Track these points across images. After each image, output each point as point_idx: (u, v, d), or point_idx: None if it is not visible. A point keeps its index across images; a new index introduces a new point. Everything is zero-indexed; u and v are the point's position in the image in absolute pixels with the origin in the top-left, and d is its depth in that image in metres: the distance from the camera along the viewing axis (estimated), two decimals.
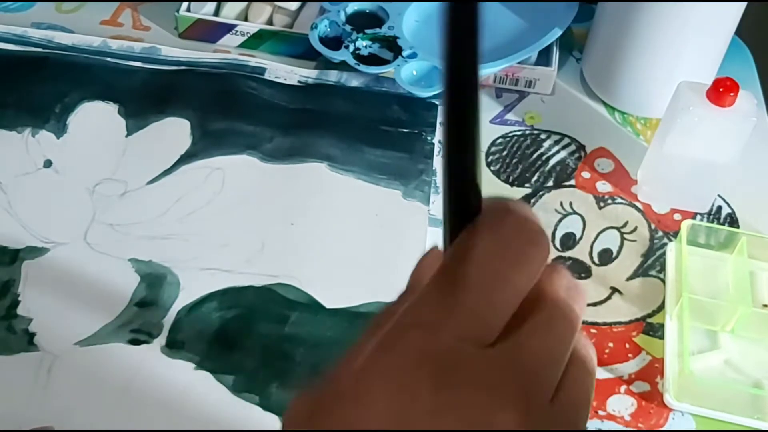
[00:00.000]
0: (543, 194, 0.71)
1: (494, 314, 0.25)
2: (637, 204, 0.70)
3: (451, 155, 0.26)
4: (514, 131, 0.75)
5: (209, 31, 0.80)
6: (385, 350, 0.25)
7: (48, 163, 0.69)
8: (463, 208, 0.27)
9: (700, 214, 0.70)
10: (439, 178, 0.69)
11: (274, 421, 0.56)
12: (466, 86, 0.25)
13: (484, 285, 0.25)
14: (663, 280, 0.65)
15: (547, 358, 0.25)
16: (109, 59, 0.78)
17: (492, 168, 0.72)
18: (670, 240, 0.68)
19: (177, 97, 0.74)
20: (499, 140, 0.74)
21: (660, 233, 0.68)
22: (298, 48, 0.79)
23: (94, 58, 0.78)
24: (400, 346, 0.25)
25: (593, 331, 0.62)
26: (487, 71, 0.76)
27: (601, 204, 0.70)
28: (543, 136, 0.75)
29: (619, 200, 0.70)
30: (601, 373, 0.60)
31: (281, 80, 0.77)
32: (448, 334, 0.24)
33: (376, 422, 0.24)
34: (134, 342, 0.59)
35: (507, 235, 0.26)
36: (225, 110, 0.74)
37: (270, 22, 0.81)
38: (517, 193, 0.70)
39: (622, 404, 0.59)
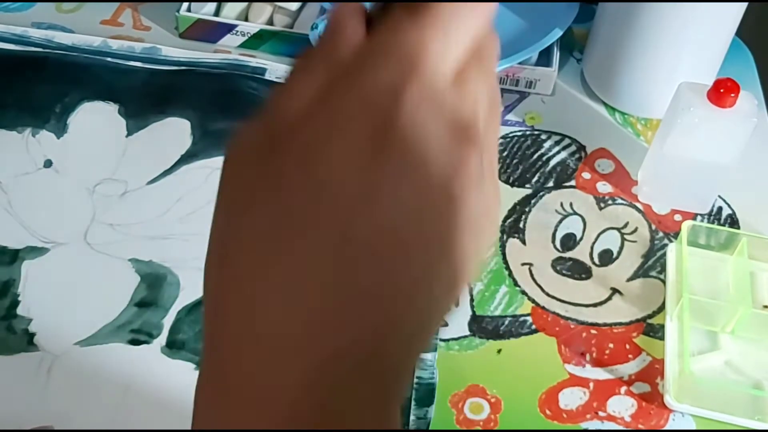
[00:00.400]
0: (543, 195, 0.71)
1: (451, 55, 0.26)
2: (638, 205, 0.70)
3: None
4: (515, 132, 0.75)
5: (210, 31, 0.80)
6: (352, 79, 0.25)
7: (48, 163, 0.69)
8: None
9: (701, 214, 0.70)
10: None
11: None
12: None
13: (444, 23, 0.26)
14: (663, 281, 0.65)
15: (481, 100, 0.27)
16: (109, 59, 0.78)
17: None
18: (671, 241, 0.68)
19: (177, 97, 0.75)
20: (500, 140, 0.74)
21: (660, 234, 0.68)
22: (298, 48, 0.79)
23: (94, 58, 0.78)
24: (369, 77, 0.25)
25: (593, 332, 0.62)
26: None
27: (602, 205, 0.70)
28: (543, 137, 0.75)
29: (620, 201, 0.70)
30: (601, 374, 0.60)
31: (282, 80, 0.77)
32: (416, 70, 0.25)
33: (347, 142, 0.25)
34: (134, 342, 0.59)
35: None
36: (225, 110, 0.74)
37: (270, 22, 0.81)
38: (518, 193, 0.70)
39: (622, 405, 0.59)
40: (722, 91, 0.63)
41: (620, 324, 0.63)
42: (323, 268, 0.24)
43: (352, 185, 0.24)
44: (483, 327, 0.62)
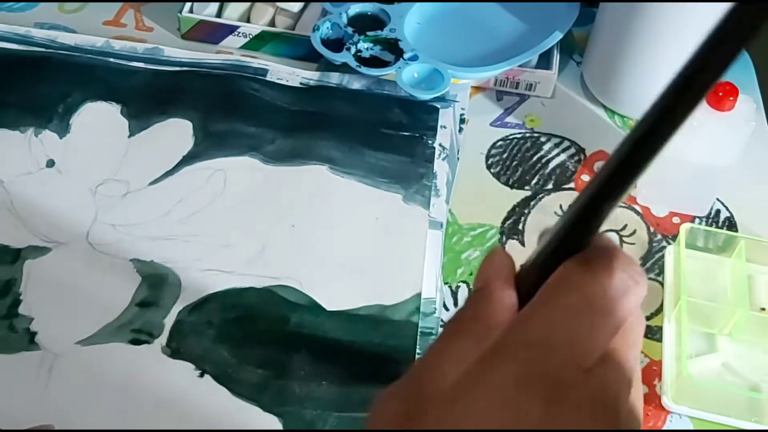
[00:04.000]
0: (543, 197, 0.71)
1: (596, 344, 0.27)
2: (636, 207, 0.71)
3: (607, 192, 0.28)
4: (515, 134, 0.75)
5: (212, 32, 0.81)
6: (494, 362, 0.27)
7: (51, 163, 0.70)
8: (580, 236, 0.29)
9: (699, 217, 0.70)
10: (442, 180, 0.69)
11: (274, 422, 0.56)
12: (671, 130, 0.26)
13: (591, 316, 0.27)
14: (661, 283, 0.65)
15: (625, 379, 0.28)
16: (112, 60, 0.78)
17: (492, 170, 0.72)
18: (669, 243, 0.68)
19: (179, 98, 0.75)
20: (500, 143, 0.75)
21: (659, 236, 0.69)
22: (300, 50, 0.79)
23: (97, 58, 0.78)
24: (510, 361, 0.26)
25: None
26: (487, 74, 0.76)
27: None
28: (543, 139, 0.75)
29: None
30: None
31: (283, 82, 0.77)
32: (556, 357, 0.26)
33: (482, 427, 0.26)
34: (135, 342, 0.59)
35: (616, 272, 0.28)
36: (227, 111, 0.74)
37: (272, 23, 0.82)
38: (517, 195, 0.71)
39: None
40: (721, 95, 0.63)
41: None
42: None
43: None
44: None
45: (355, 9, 0.78)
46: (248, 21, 0.82)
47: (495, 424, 0.26)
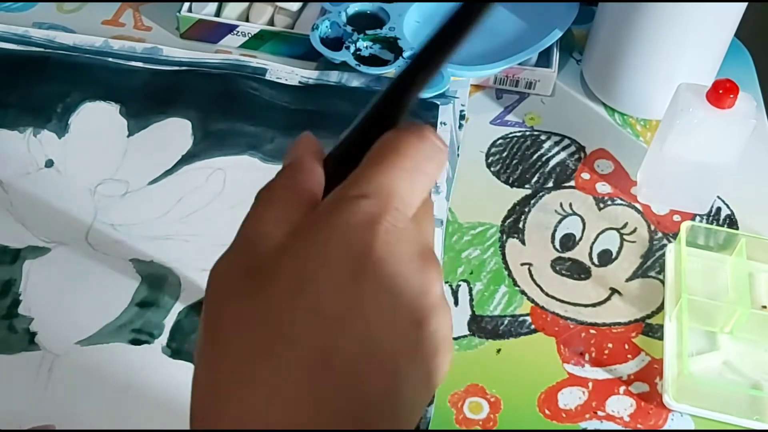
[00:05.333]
0: (543, 195, 0.71)
1: (416, 199, 0.31)
2: (637, 205, 0.71)
3: (417, 67, 0.33)
4: (515, 132, 0.75)
5: (211, 32, 0.81)
6: (331, 210, 0.30)
7: (50, 163, 0.70)
8: (392, 114, 0.33)
9: (700, 215, 0.70)
10: (442, 177, 0.69)
11: None
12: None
13: (411, 172, 0.31)
14: (662, 281, 0.65)
15: (432, 239, 0.33)
16: (110, 59, 0.78)
17: (492, 169, 0.72)
18: (670, 241, 0.68)
19: (178, 98, 0.75)
20: (500, 141, 0.74)
21: (659, 234, 0.69)
22: (299, 49, 0.79)
23: (95, 58, 0.78)
24: (344, 210, 0.29)
25: (593, 331, 0.62)
26: (487, 72, 0.76)
27: (601, 205, 0.70)
28: (543, 137, 0.75)
29: (619, 201, 0.71)
30: (600, 374, 0.60)
31: (282, 81, 0.77)
32: (388, 205, 0.30)
33: (331, 265, 0.28)
34: (135, 342, 0.59)
35: (429, 140, 0.32)
36: (226, 111, 0.74)
37: (271, 22, 0.82)
38: (517, 194, 0.71)
39: (621, 405, 0.59)
40: (721, 92, 0.63)
41: (619, 324, 0.63)
42: (304, 376, 0.28)
43: (336, 307, 0.28)
44: (482, 327, 0.62)
45: (354, 8, 0.78)
46: (247, 20, 0.82)
47: (340, 257, 0.29)
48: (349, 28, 0.77)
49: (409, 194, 0.31)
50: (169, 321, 0.60)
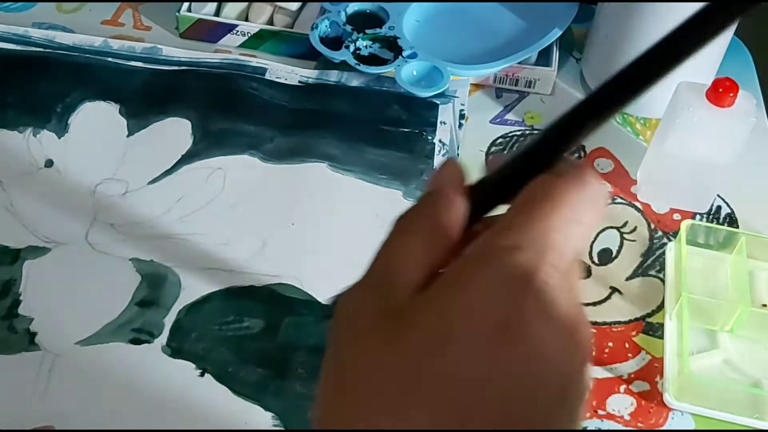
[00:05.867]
0: None
1: (571, 250, 0.29)
2: (637, 204, 0.70)
3: (583, 116, 0.30)
4: (514, 131, 0.75)
5: (210, 31, 0.81)
6: (480, 262, 0.28)
7: (49, 163, 0.70)
8: (551, 155, 0.30)
9: (700, 214, 0.70)
10: None
11: (274, 421, 0.56)
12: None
13: (567, 224, 0.29)
14: (662, 280, 0.65)
15: (578, 286, 0.30)
16: (110, 59, 0.78)
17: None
18: (670, 240, 0.68)
19: (178, 97, 0.75)
20: (499, 140, 0.74)
21: (659, 233, 0.69)
22: (298, 48, 0.79)
23: (95, 58, 0.78)
24: (495, 263, 0.28)
25: (593, 330, 0.62)
26: (487, 71, 0.76)
27: None
28: None
29: (619, 200, 0.71)
30: (600, 373, 0.60)
31: (282, 80, 0.77)
32: (544, 259, 0.28)
33: (480, 322, 0.27)
34: (135, 341, 0.59)
35: (589, 186, 0.30)
36: (226, 110, 0.74)
37: (271, 22, 0.82)
38: None
39: (621, 404, 0.59)
40: (721, 91, 0.63)
41: (619, 323, 0.63)
42: None
43: (477, 370, 0.26)
44: None
45: (353, 7, 0.78)
46: (246, 19, 0.82)
47: (491, 314, 0.27)
48: (348, 28, 0.77)
49: (564, 247, 0.29)
50: (169, 320, 0.60)
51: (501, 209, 0.31)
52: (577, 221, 0.29)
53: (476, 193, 0.31)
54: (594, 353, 0.61)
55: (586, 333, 0.29)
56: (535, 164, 0.30)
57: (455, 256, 0.29)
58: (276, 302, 0.62)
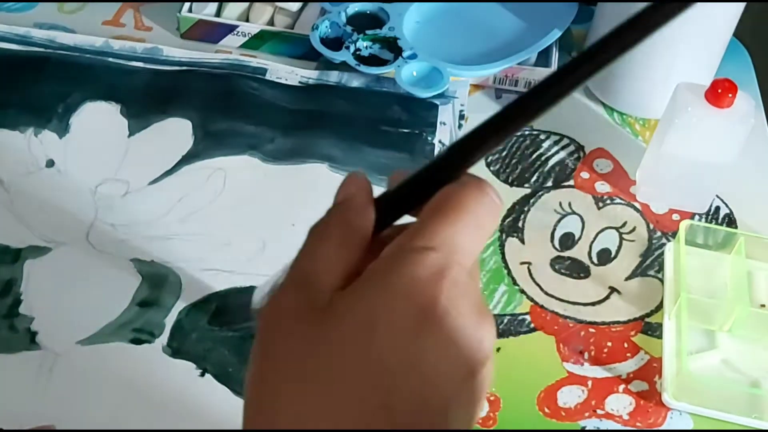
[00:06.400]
0: (542, 194, 0.71)
1: (475, 253, 0.33)
2: (636, 204, 0.71)
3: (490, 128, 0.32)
4: None
5: (211, 32, 0.81)
6: (397, 261, 0.31)
7: (50, 163, 0.70)
8: (457, 167, 0.33)
9: (699, 214, 0.70)
10: None
11: None
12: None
13: (472, 228, 0.32)
14: (661, 280, 0.66)
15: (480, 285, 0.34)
16: (111, 59, 0.78)
17: (491, 168, 0.72)
18: (669, 240, 0.68)
19: (179, 98, 0.75)
20: None
21: (658, 233, 0.69)
22: (299, 49, 0.79)
23: (96, 58, 0.78)
24: (409, 262, 0.30)
25: (592, 330, 0.63)
26: (486, 72, 0.76)
27: (600, 204, 0.71)
28: (542, 137, 0.75)
29: (618, 200, 0.71)
30: (599, 372, 0.60)
31: (282, 81, 0.77)
32: (453, 259, 0.31)
33: (400, 316, 0.29)
34: (136, 341, 0.59)
35: (489, 197, 0.33)
36: (226, 111, 0.74)
37: (271, 22, 0.82)
38: (517, 193, 0.71)
39: (620, 403, 0.59)
40: (720, 92, 0.63)
41: (618, 323, 0.63)
42: (361, 410, 0.29)
43: (398, 357, 0.29)
44: None
45: (354, 8, 0.78)
46: (247, 20, 0.82)
47: (409, 308, 0.29)
48: (348, 28, 0.77)
49: (470, 249, 0.32)
50: (170, 320, 0.61)
51: (405, 219, 0.34)
52: (479, 226, 0.32)
53: (382, 204, 0.33)
54: (593, 353, 0.61)
55: (489, 323, 0.32)
56: (441, 176, 0.33)
57: (369, 259, 0.32)
58: None
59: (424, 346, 0.29)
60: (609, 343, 0.62)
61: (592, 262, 0.67)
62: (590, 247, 0.68)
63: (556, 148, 0.74)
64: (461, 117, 0.75)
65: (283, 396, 0.30)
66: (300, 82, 0.77)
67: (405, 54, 0.75)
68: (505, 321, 0.63)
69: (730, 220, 0.70)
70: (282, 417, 0.30)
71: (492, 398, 0.59)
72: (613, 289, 0.65)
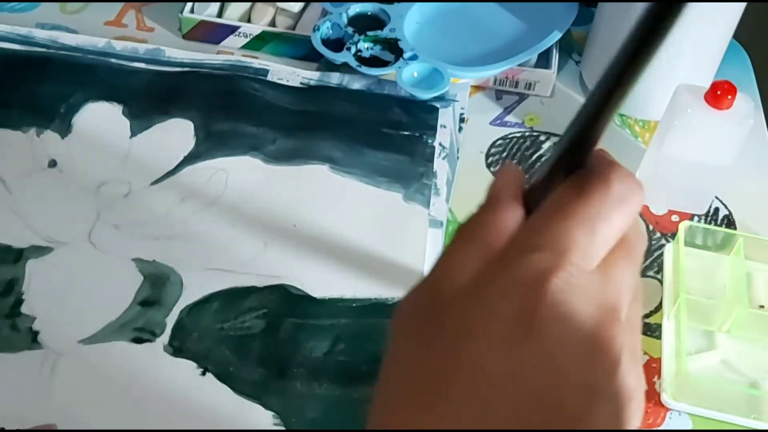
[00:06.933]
0: None
1: (595, 252, 0.30)
2: None
3: (604, 105, 0.30)
4: (514, 133, 0.76)
5: (213, 33, 0.81)
6: (506, 261, 0.29)
7: (53, 163, 0.70)
8: (579, 153, 0.31)
9: (698, 215, 0.71)
10: (442, 179, 0.70)
11: (275, 421, 0.56)
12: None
13: (591, 221, 0.29)
14: (660, 281, 0.66)
15: (626, 287, 0.30)
16: (113, 60, 0.78)
17: (492, 169, 0.73)
18: (668, 241, 0.68)
19: (181, 98, 0.75)
20: (499, 142, 0.75)
21: (658, 234, 0.69)
22: (300, 50, 0.80)
23: (98, 58, 0.78)
24: (521, 264, 0.29)
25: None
26: (487, 73, 0.77)
27: None
28: (542, 138, 0.75)
29: None
30: None
31: (284, 82, 0.77)
32: (564, 259, 0.29)
33: (497, 322, 0.28)
34: (137, 341, 0.60)
35: (614, 184, 0.30)
36: (228, 111, 0.74)
37: (273, 23, 0.82)
38: None
39: None
40: (719, 93, 0.63)
41: None
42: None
43: (497, 367, 0.28)
44: None
45: (355, 9, 0.79)
46: (249, 21, 0.82)
47: (506, 314, 0.28)
48: (350, 30, 0.77)
49: (589, 246, 0.29)
50: (171, 320, 0.61)
51: None
52: (603, 219, 0.29)
53: (531, 198, 0.32)
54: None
55: (616, 326, 0.29)
56: (566, 162, 0.31)
57: None
58: (277, 303, 0.62)
59: (522, 357, 0.28)
60: None
61: None
62: None
63: None
64: (461, 120, 0.75)
65: (393, 398, 0.29)
66: (301, 84, 0.77)
67: (406, 55, 0.75)
68: None
69: (729, 221, 0.71)
70: (391, 417, 0.29)
71: None
72: None
